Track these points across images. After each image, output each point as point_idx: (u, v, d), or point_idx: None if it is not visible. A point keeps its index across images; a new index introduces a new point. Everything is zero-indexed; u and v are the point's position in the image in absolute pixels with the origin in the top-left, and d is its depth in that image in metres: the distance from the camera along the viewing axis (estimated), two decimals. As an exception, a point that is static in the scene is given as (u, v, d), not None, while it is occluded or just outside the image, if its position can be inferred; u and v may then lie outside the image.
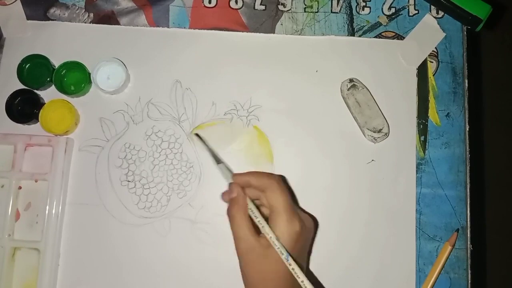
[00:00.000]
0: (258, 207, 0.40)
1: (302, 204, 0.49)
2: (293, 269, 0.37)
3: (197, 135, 0.49)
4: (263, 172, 0.41)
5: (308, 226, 0.40)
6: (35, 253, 0.47)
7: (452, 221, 0.49)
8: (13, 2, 0.52)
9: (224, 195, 0.42)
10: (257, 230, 0.39)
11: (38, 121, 0.48)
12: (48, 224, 0.46)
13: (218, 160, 0.45)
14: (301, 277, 0.36)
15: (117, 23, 0.53)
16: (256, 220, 0.39)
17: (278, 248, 0.37)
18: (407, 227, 0.49)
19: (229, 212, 0.40)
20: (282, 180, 0.41)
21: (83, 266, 0.48)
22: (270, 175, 0.41)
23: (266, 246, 0.38)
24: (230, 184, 0.41)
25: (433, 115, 0.51)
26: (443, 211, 0.49)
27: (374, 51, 0.52)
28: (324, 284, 0.47)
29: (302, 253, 0.41)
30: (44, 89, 0.50)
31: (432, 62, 0.52)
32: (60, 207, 0.47)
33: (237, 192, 0.40)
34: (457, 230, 0.48)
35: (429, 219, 0.49)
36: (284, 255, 0.37)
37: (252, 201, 0.40)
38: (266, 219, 0.39)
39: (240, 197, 0.40)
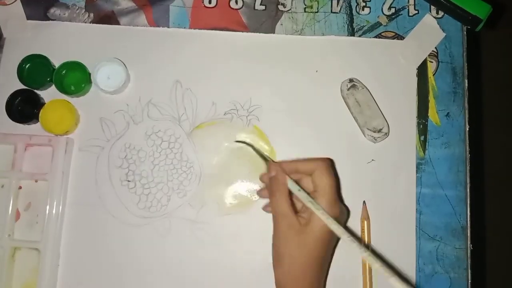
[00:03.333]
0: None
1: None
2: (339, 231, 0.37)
3: (240, 141, 0.49)
4: (310, 158, 0.43)
5: (344, 216, 0.41)
6: (35, 253, 0.47)
7: (452, 221, 0.49)
8: (13, 2, 0.52)
9: (263, 176, 0.43)
10: (295, 209, 0.40)
11: (38, 121, 0.48)
12: (48, 224, 0.46)
13: (265, 158, 0.45)
14: (345, 236, 0.37)
15: (117, 23, 0.53)
16: (297, 192, 0.39)
17: (322, 212, 0.38)
18: (407, 227, 0.49)
19: (269, 189, 0.40)
20: (331, 162, 0.42)
21: (83, 266, 0.48)
22: (321, 158, 0.41)
23: (305, 224, 0.38)
24: (269, 164, 0.42)
25: (433, 115, 0.51)
26: (443, 211, 0.49)
27: (374, 51, 0.52)
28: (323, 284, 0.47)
29: (333, 241, 0.42)
30: (44, 89, 0.50)
31: (432, 62, 0.52)
32: (60, 207, 0.47)
33: (276, 170, 0.41)
34: (364, 202, 0.49)
35: (429, 219, 0.49)
36: (329, 219, 0.37)
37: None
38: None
39: (279, 175, 0.40)
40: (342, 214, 0.40)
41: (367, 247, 0.47)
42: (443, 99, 0.51)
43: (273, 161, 0.43)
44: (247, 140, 0.49)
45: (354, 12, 0.53)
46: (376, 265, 0.36)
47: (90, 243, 0.48)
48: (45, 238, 0.46)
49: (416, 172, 0.50)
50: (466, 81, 0.52)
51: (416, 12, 0.53)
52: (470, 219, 0.49)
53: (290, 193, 0.41)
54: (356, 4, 0.53)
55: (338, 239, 0.44)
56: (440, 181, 0.50)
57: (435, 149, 0.50)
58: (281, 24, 0.53)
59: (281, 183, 0.40)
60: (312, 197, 0.39)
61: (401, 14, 0.53)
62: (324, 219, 0.37)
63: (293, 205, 0.40)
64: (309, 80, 0.51)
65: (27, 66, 0.50)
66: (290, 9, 0.53)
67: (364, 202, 0.49)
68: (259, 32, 0.53)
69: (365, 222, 0.48)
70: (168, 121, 0.50)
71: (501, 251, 1.14)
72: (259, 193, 0.47)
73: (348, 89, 0.50)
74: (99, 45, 0.52)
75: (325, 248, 0.39)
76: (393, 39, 0.53)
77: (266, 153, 0.47)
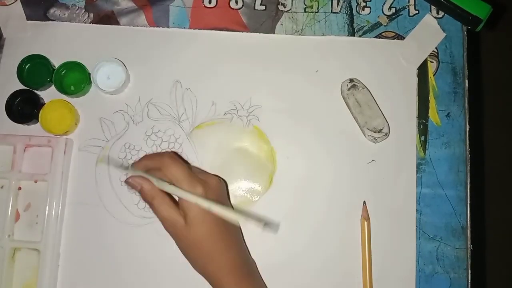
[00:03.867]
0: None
1: (301, 203, 0.49)
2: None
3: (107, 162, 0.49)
4: (154, 153, 0.44)
5: (213, 185, 0.42)
6: (35, 254, 0.47)
7: (452, 221, 0.49)
8: (13, 2, 0.52)
9: (127, 181, 0.43)
10: (176, 205, 0.41)
11: (38, 121, 0.48)
12: (48, 224, 0.46)
13: (125, 168, 0.46)
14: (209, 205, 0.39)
15: (117, 23, 0.53)
16: (163, 186, 0.40)
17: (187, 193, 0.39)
18: (407, 227, 0.49)
19: (145, 200, 0.41)
20: (174, 154, 0.42)
21: (83, 266, 0.48)
22: (161, 153, 0.43)
23: (185, 217, 0.39)
24: (129, 181, 0.41)
25: (433, 115, 0.51)
26: (443, 211, 0.49)
27: (374, 51, 0.52)
28: (324, 285, 0.47)
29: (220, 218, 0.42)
30: (44, 89, 0.50)
31: (432, 62, 0.52)
32: (60, 208, 0.47)
33: (137, 182, 0.41)
34: (364, 202, 0.49)
35: (429, 219, 0.49)
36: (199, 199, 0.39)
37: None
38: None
39: (144, 185, 0.40)
40: (207, 188, 0.40)
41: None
42: (443, 99, 0.51)
43: (132, 164, 0.43)
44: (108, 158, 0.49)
45: (354, 12, 0.53)
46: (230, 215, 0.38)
47: (90, 243, 0.48)
48: (45, 239, 0.46)
49: (417, 172, 0.50)
50: (467, 81, 0.52)
51: (417, 12, 0.53)
52: (470, 219, 0.49)
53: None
54: (356, 4, 0.53)
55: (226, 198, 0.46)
56: (440, 181, 0.50)
57: (435, 149, 0.50)
58: (281, 24, 0.53)
59: (150, 191, 0.40)
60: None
61: (402, 14, 0.53)
62: (194, 199, 0.39)
63: (171, 198, 0.41)
64: (309, 80, 0.51)
65: (27, 66, 0.50)
66: (290, 9, 0.53)
67: (364, 202, 0.49)
68: (259, 32, 0.52)
69: (365, 222, 0.48)
70: (168, 121, 0.50)
71: (501, 251, 1.14)
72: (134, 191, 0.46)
73: (349, 89, 0.50)
74: (99, 45, 0.52)
75: (213, 227, 0.40)
76: (394, 39, 0.53)
77: (122, 165, 0.48)
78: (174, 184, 0.40)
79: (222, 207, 0.38)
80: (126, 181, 0.41)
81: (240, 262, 0.43)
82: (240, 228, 0.46)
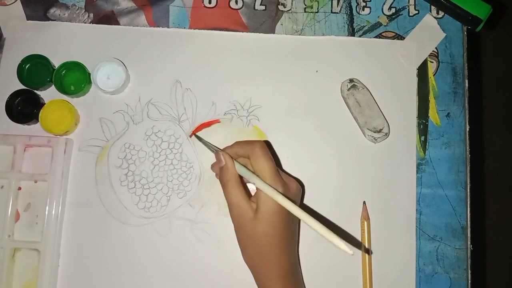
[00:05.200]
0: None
1: (301, 203, 0.49)
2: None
3: (196, 136, 0.50)
4: (246, 140, 0.43)
5: (293, 189, 0.41)
6: (35, 254, 0.47)
7: (452, 221, 0.49)
8: (13, 2, 0.52)
9: (213, 166, 0.44)
10: (248, 195, 0.41)
11: (38, 121, 0.48)
12: (48, 224, 0.46)
13: (213, 149, 0.46)
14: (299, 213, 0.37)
15: (117, 23, 0.53)
16: (245, 173, 0.40)
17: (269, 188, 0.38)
18: (407, 227, 0.49)
19: (221, 180, 0.41)
20: (266, 145, 0.42)
21: (83, 266, 0.48)
22: (253, 142, 0.42)
23: (256, 210, 0.39)
24: (217, 153, 0.42)
25: (433, 115, 0.51)
26: (443, 211, 0.49)
27: (374, 51, 0.52)
28: (324, 285, 0.47)
29: (290, 215, 0.41)
30: (44, 89, 0.50)
31: (432, 62, 0.52)
32: (60, 208, 0.47)
33: (224, 159, 0.41)
34: (364, 203, 0.49)
35: (429, 219, 0.49)
36: (278, 195, 0.38)
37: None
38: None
39: (229, 164, 0.41)
40: (287, 191, 0.40)
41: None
42: (443, 99, 0.51)
43: (219, 150, 0.43)
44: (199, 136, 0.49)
45: (354, 12, 0.53)
46: (317, 227, 0.36)
47: (90, 244, 0.48)
48: (45, 239, 0.46)
49: (417, 172, 0.50)
50: (467, 81, 0.52)
51: (417, 12, 0.53)
52: (470, 219, 0.49)
53: (243, 181, 0.42)
54: (356, 4, 0.53)
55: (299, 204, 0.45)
56: (440, 181, 0.50)
57: (435, 149, 0.50)
58: (281, 24, 0.53)
59: (231, 173, 0.41)
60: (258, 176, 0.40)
61: (402, 14, 0.53)
62: (274, 195, 0.38)
63: (246, 190, 0.41)
64: (309, 80, 0.51)
65: (27, 66, 0.50)
66: (290, 9, 0.53)
67: (364, 202, 0.49)
68: (259, 32, 0.52)
69: (365, 223, 0.48)
70: (168, 121, 0.50)
71: (501, 251, 1.14)
72: (213, 169, 0.46)
73: (348, 89, 0.50)
74: (99, 45, 0.52)
75: (279, 225, 0.40)
76: (394, 39, 0.53)
77: (212, 144, 0.47)
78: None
79: (303, 212, 0.37)
80: (217, 152, 0.42)
81: (291, 269, 0.42)
82: (298, 235, 0.47)
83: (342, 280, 0.48)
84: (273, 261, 0.40)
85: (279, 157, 0.50)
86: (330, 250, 0.48)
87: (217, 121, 0.50)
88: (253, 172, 0.40)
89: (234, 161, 0.41)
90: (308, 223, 0.36)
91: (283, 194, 0.38)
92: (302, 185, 0.48)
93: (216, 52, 0.52)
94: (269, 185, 0.39)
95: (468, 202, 0.50)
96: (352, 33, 0.53)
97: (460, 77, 0.52)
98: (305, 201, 0.49)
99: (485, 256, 1.13)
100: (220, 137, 0.50)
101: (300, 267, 0.46)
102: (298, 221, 0.46)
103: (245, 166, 0.41)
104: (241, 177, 0.42)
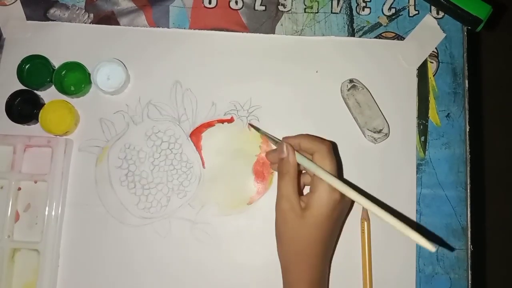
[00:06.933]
0: (300, 172, 0.41)
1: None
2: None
3: (251, 125, 0.49)
4: (316, 136, 0.43)
5: (347, 199, 0.40)
6: (35, 254, 0.47)
7: (452, 222, 0.49)
8: (13, 2, 0.52)
9: (268, 154, 0.44)
10: (300, 192, 0.40)
11: (38, 121, 0.48)
12: (47, 225, 0.46)
13: (275, 140, 0.45)
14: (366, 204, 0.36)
15: (117, 23, 0.53)
16: (308, 164, 0.39)
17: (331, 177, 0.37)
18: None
19: (279, 170, 0.40)
20: (332, 146, 0.41)
21: (83, 266, 0.48)
22: (323, 140, 0.41)
23: (305, 209, 0.39)
24: (280, 144, 0.41)
25: (433, 116, 0.51)
26: (443, 212, 0.49)
27: (374, 51, 0.52)
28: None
29: (337, 224, 0.42)
30: (44, 90, 0.50)
31: (432, 62, 0.52)
32: (59, 208, 0.47)
33: (287, 151, 0.40)
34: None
35: (429, 219, 0.49)
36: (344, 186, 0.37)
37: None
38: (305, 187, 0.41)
39: (290, 156, 0.40)
40: (343, 198, 0.39)
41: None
42: (443, 100, 0.51)
43: (282, 141, 0.42)
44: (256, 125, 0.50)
45: (354, 12, 0.53)
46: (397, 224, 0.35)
47: (90, 244, 0.48)
48: (45, 239, 0.46)
49: (417, 173, 0.50)
50: (467, 81, 0.52)
51: (417, 12, 0.53)
52: (471, 219, 0.49)
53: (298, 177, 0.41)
54: (356, 4, 0.53)
55: (344, 218, 0.45)
56: (440, 181, 0.50)
57: (435, 149, 0.50)
58: (281, 25, 0.53)
59: (291, 165, 0.40)
60: (311, 182, 0.39)
61: (402, 15, 0.53)
62: (346, 191, 0.37)
63: (298, 187, 0.41)
64: (309, 80, 0.51)
65: (27, 67, 0.50)
66: (290, 10, 0.53)
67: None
68: (259, 33, 0.52)
69: (365, 223, 0.48)
70: (168, 121, 0.50)
71: (502, 251, 1.14)
72: (269, 157, 0.46)
73: (348, 90, 0.50)
74: (99, 46, 0.52)
75: (324, 230, 0.39)
76: (394, 39, 0.53)
77: (273, 136, 0.47)
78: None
79: (380, 208, 0.36)
80: (281, 143, 0.41)
81: (320, 278, 0.41)
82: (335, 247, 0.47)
83: (342, 280, 0.48)
84: (307, 264, 0.40)
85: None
86: (330, 250, 0.48)
87: (231, 120, 0.49)
88: (319, 165, 0.39)
89: (296, 152, 0.40)
90: (386, 219, 0.35)
91: (340, 199, 0.38)
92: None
93: (216, 53, 0.52)
94: (339, 180, 0.37)
95: (468, 203, 0.49)
96: (352, 33, 0.53)
97: (460, 77, 0.52)
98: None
99: (485, 256, 1.13)
100: (221, 137, 0.50)
101: (328, 280, 0.45)
102: (340, 232, 0.46)
103: (309, 159, 0.40)
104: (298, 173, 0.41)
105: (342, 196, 0.39)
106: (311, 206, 0.39)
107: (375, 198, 0.48)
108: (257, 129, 0.49)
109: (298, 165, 0.41)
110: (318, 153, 0.40)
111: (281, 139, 0.44)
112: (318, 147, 0.40)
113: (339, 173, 0.41)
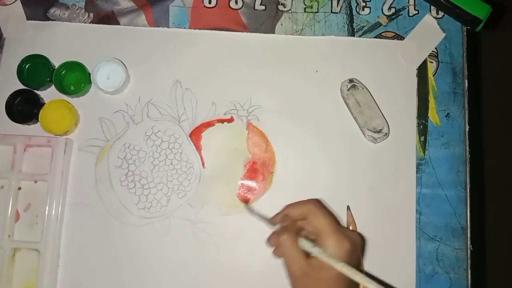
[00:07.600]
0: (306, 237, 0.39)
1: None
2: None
3: (246, 207, 0.49)
4: (296, 202, 0.42)
5: (357, 242, 0.40)
6: (35, 254, 0.47)
7: (452, 221, 0.49)
8: (13, 2, 0.52)
9: (270, 239, 0.42)
10: (306, 253, 0.38)
11: (38, 121, 0.48)
12: (48, 224, 0.46)
13: (270, 223, 0.44)
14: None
15: (117, 23, 0.53)
16: (312, 250, 0.38)
17: (349, 270, 0.36)
18: (407, 227, 0.49)
19: (280, 238, 0.39)
20: (319, 202, 0.41)
21: (83, 266, 0.48)
22: (306, 201, 0.41)
23: (319, 268, 0.37)
24: (274, 236, 0.40)
25: (433, 115, 0.51)
26: (443, 211, 0.49)
27: (374, 51, 0.52)
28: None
29: (353, 264, 0.40)
30: (44, 89, 0.50)
31: (432, 62, 0.52)
32: (59, 208, 0.47)
33: (282, 220, 0.40)
34: (348, 208, 0.48)
35: (429, 219, 0.49)
36: (350, 270, 0.36)
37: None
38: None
39: (288, 224, 0.40)
40: (353, 244, 0.38)
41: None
42: (443, 100, 0.51)
43: (275, 222, 0.42)
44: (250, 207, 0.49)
45: (354, 12, 0.53)
46: None
47: (90, 244, 0.48)
48: (45, 239, 0.46)
49: (416, 173, 0.50)
50: (466, 81, 0.52)
51: (416, 12, 0.53)
52: (470, 219, 0.49)
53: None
54: (356, 4, 0.53)
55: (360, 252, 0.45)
56: (440, 181, 0.50)
57: (435, 149, 0.50)
58: (281, 24, 0.53)
59: (291, 231, 0.39)
60: (325, 251, 0.38)
61: (401, 15, 0.53)
62: (346, 271, 0.36)
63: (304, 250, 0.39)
64: (309, 80, 0.51)
65: (27, 66, 0.50)
66: (290, 9, 0.53)
67: (348, 207, 0.49)
68: (259, 32, 0.53)
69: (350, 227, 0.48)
70: (168, 121, 0.50)
71: (501, 251, 1.14)
72: (270, 241, 0.43)
73: (348, 90, 0.50)
74: (99, 45, 0.52)
75: (342, 278, 0.37)
76: (393, 39, 0.53)
77: (265, 217, 0.45)
78: (318, 235, 0.38)
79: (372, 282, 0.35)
80: (275, 235, 0.40)
81: None
82: None
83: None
84: None
85: (279, 157, 0.50)
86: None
87: (231, 120, 0.49)
88: (323, 250, 0.37)
89: (298, 238, 0.39)
90: None
91: (351, 248, 0.37)
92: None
93: (216, 52, 0.52)
94: (344, 264, 0.36)
95: (468, 202, 0.50)
96: (352, 33, 0.53)
97: (460, 77, 0.52)
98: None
99: (485, 256, 1.13)
100: (220, 137, 0.50)
101: None
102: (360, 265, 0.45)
103: (311, 241, 0.38)
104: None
105: (352, 242, 0.38)
106: (325, 267, 0.37)
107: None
108: (251, 212, 0.47)
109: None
110: (309, 214, 0.39)
111: (269, 218, 0.44)
112: (307, 209, 0.40)
113: (337, 223, 0.40)
